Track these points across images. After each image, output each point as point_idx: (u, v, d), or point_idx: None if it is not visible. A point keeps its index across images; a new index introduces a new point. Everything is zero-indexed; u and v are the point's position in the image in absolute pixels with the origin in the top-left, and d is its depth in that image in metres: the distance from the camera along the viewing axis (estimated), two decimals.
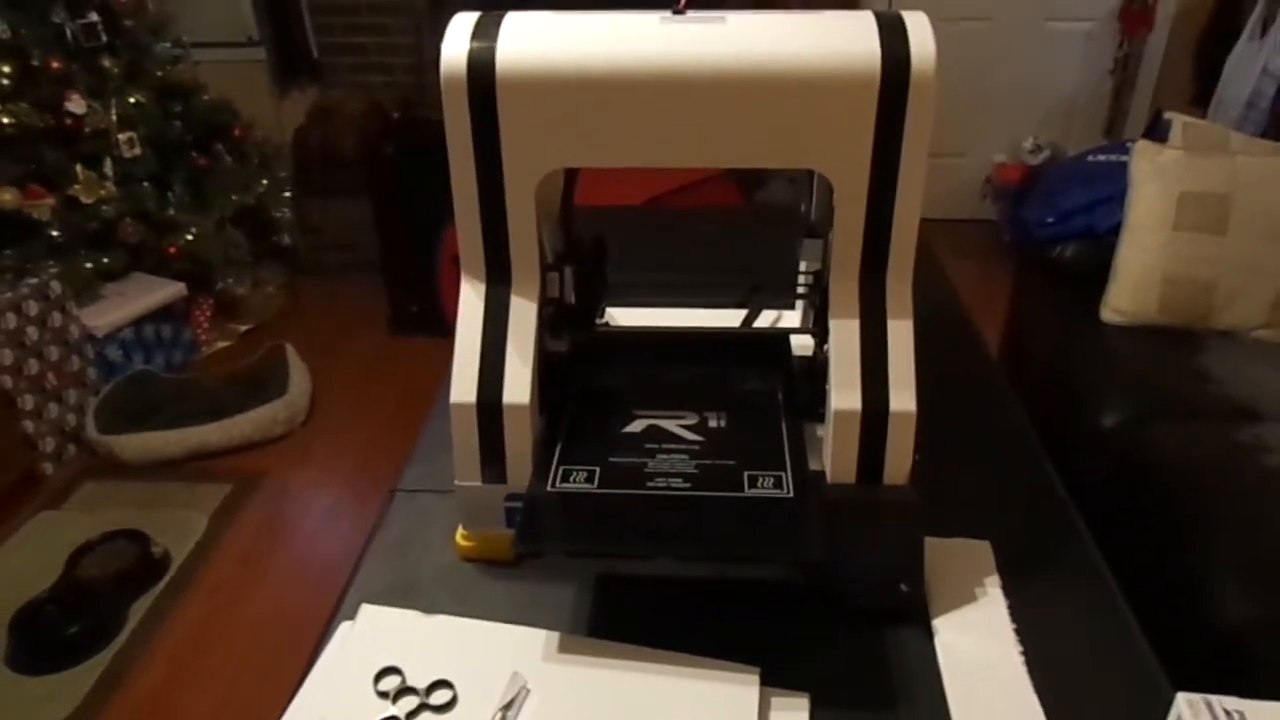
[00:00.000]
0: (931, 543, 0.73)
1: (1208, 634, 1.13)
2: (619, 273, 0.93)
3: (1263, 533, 1.20)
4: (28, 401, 2.22)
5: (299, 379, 2.53)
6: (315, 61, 3.19)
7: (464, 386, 0.72)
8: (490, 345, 0.73)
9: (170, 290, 2.65)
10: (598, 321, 0.94)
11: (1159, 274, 1.71)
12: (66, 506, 2.17)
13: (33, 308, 2.24)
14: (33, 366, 2.23)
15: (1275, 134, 2.26)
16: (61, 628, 1.75)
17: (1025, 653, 0.68)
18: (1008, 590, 0.74)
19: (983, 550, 0.78)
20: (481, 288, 0.74)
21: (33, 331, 2.24)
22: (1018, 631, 0.70)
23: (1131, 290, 1.74)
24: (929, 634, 0.70)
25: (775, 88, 0.65)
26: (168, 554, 1.97)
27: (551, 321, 0.78)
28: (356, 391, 2.63)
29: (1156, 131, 1.89)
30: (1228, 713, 0.50)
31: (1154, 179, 1.73)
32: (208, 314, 2.87)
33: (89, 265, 2.50)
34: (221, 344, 2.88)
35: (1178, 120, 1.82)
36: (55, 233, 2.44)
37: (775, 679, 0.65)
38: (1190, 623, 1.15)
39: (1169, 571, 1.23)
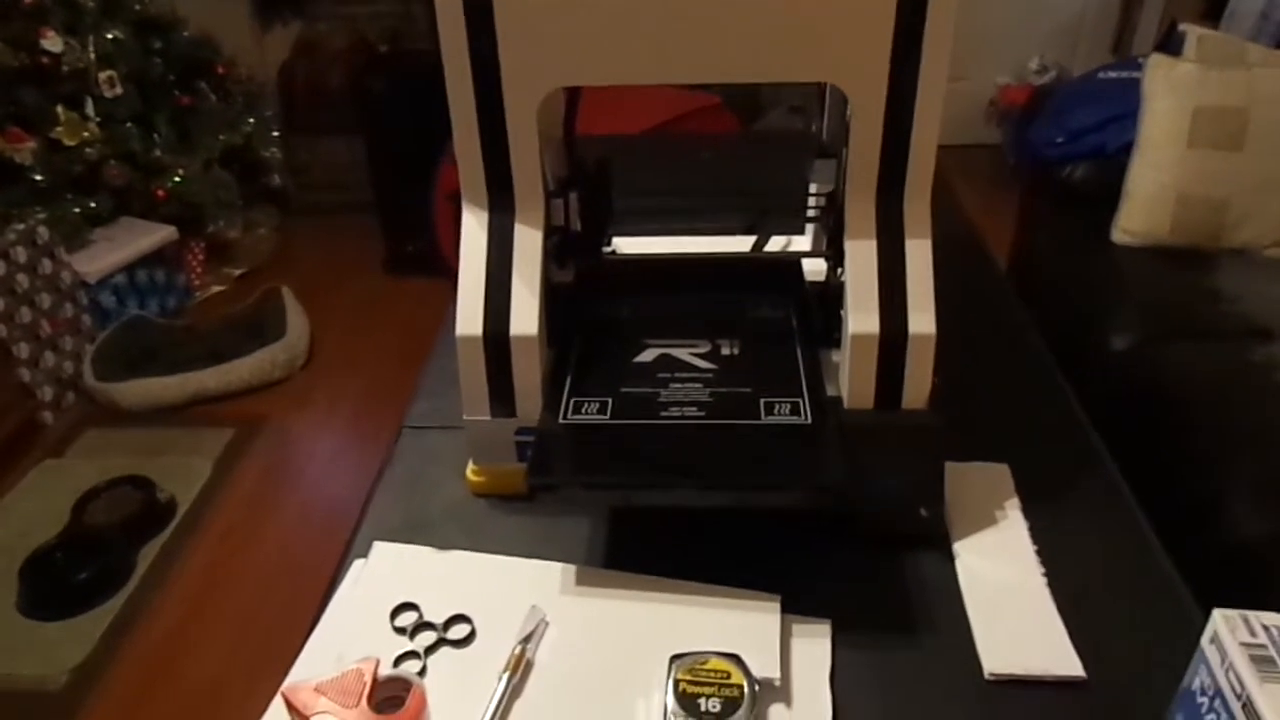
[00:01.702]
0: (950, 467, 0.72)
1: (1224, 553, 1.13)
2: (624, 200, 0.90)
3: (1278, 450, 1.19)
4: (23, 350, 2.19)
5: (297, 322, 2.50)
6: None
7: (470, 318, 0.70)
8: (495, 275, 0.71)
9: (161, 234, 2.60)
10: (604, 250, 0.91)
11: (1172, 193, 1.67)
12: (69, 454, 2.16)
13: (21, 254, 2.20)
14: (25, 314, 2.20)
15: None
16: (72, 574, 1.75)
17: (1047, 575, 0.67)
18: (1028, 513, 0.73)
19: (1002, 473, 0.77)
20: (484, 215, 0.72)
21: (23, 279, 2.20)
22: (1039, 553, 0.69)
23: (1143, 210, 1.71)
24: (950, 558, 0.69)
25: None
26: (174, 499, 1.97)
27: (557, 250, 0.76)
28: (355, 333, 2.61)
29: (1170, 45, 1.83)
30: (1266, 628, 0.49)
31: (1168, 94, 1.68)
32: (200, 258, 2.83)
33: (76, 210, 2.44)
34: (216, 288, 2.85)
35: (1193, 32, 1.76)
36: (39, 177, 2.38)
37: (796, 606, 0.64)
38: (1206, 542, 1.15)
39: (1184, 492, 1.23)
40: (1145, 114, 1.70)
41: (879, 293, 0.68)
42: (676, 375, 0.72)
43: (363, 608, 0.65)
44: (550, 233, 0.73)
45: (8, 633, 1.67)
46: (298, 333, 2.47)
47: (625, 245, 0.97)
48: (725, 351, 0.75)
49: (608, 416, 0.68)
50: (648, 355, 0.75)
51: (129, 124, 2.53)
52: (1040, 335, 0.98)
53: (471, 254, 0.71)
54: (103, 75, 2.45)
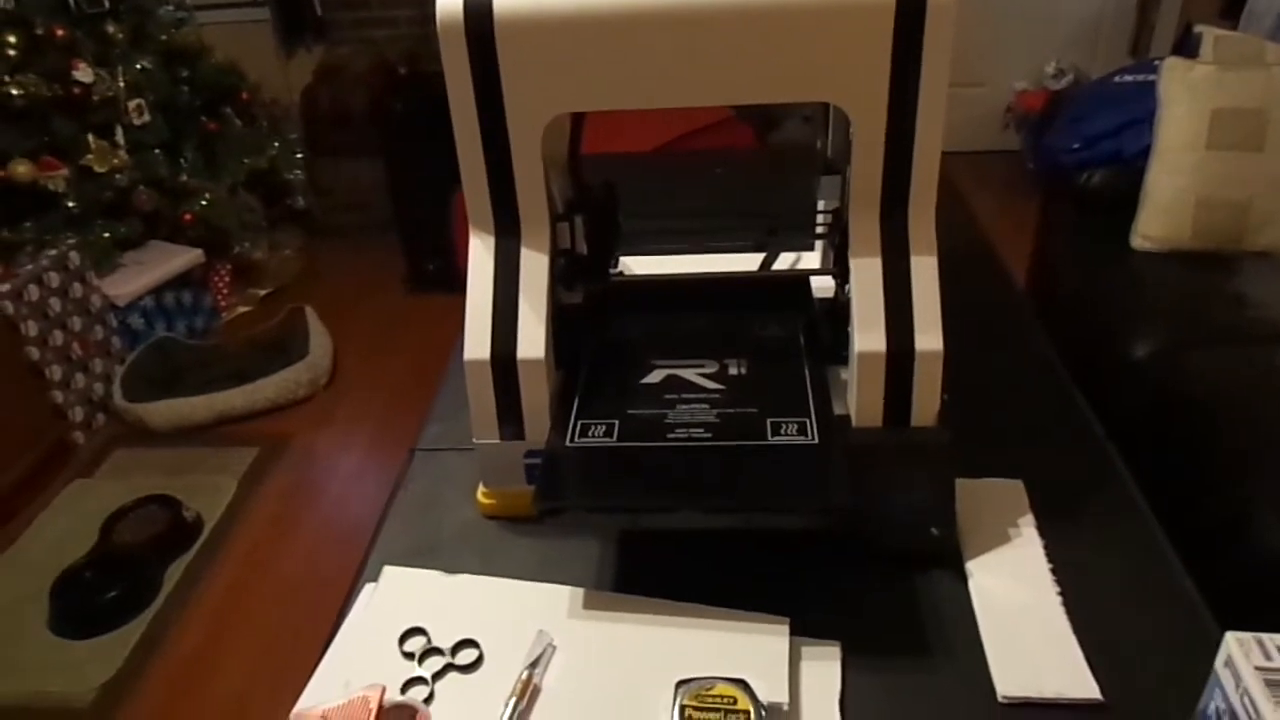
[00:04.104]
0: (962, 484, 0.71)
1: (1250, 567, 1.11)
2: (631, 221, 0.90)
3: None
4: (55, 372, 2.24)
5: (320, 341, 2.53)
6: (319, 19, 3.13)
7: (477, 343, 0.71)
8: (502, 300, 0.71)
9: (188, 257, 2.65)
10: (611, 271, 0.92)
11: (1192, 196, 1.65)
12: (98, 474, 2.20)
13: (54, 279, 2.25)
14: (58, 337, 2.25)
15: None
16: (100, 592, 1.78)
17: (1063, 594, 0.66)
18: (1042, 530, 0.72)
19: (1016, 490, 0.76)
20: (491, 241, 0.72)
21: (55, 303, 2.25)
22: (1054, 572, 0.68)
23: (1163, 215, 1.69)
24: (963, 577, 0.68)
25: (785, 17, 0.62)
26: (200, 518, 2.00)
27: (564, 273, 0.76)
28: (377, 351, 2.63)
29: (1186, 47, 1.81)
30: None
31: (1185, 97, 1.66)
32: (226, 279, 2.87)
33: (106, 235, 2.50)
34: (242, 309, 2.89)
35: (1208, 33, 1.73)
36: (71, 204, 2.43)
37: (805, 628, 0.64)
38: (1231, 556, 1.13)
39: (1209, 503, 1.20)
40: (1162, 118, 1.68)
41: (885, 310, 0.68)
42: (684, 396, 0.72)
43: (372, 633, 0.66)
44: (557, 256, 0.74)
45: (39, 651, 1.70)
46: (321, 352, 2.50)
47: (634, 265, 0.97)
48: (733, 371, 0.75)
49: (614, 439, 0.68)
50: (655, 376, 0.75)
51: (157, 150, 2.59)
52: (1054, 347, 0.97)
53: (479, 279, 0.72)
54: (132, 104, 2.51)
